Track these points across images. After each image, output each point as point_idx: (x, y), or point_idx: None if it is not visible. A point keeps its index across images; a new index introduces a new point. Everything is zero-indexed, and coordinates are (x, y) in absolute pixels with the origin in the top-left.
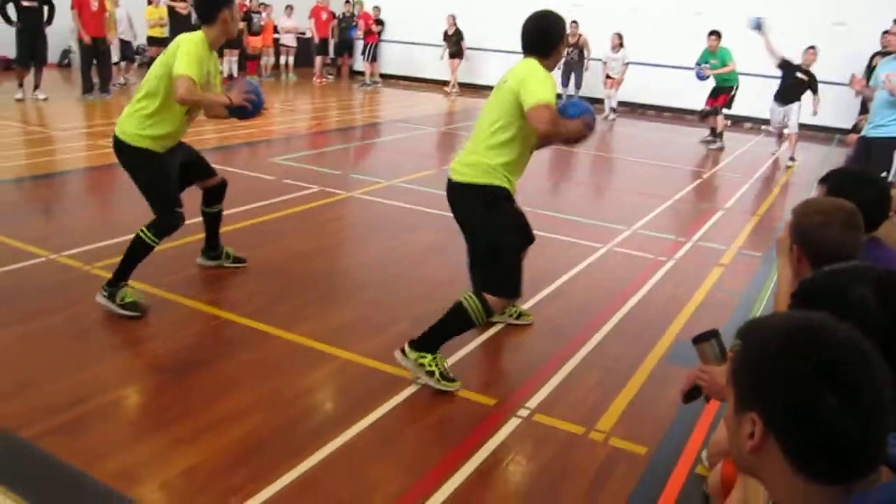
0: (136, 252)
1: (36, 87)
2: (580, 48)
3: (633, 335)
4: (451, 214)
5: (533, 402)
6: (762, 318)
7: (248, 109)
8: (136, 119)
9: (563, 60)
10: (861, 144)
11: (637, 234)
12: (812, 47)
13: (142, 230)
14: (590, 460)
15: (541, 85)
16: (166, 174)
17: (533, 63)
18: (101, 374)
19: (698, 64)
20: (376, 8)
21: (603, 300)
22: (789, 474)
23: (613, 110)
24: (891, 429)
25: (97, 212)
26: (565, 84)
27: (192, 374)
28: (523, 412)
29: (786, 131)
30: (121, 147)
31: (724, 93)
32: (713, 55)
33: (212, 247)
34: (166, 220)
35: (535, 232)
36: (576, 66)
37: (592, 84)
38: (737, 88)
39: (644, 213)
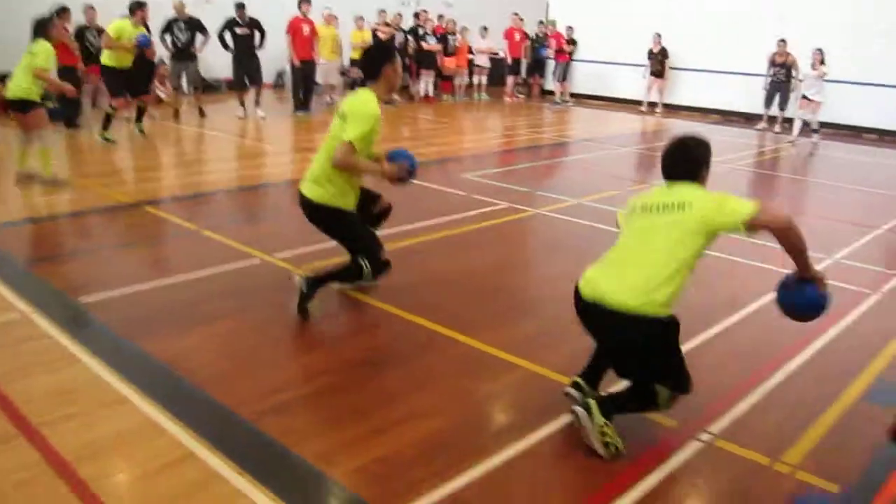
0: (349, 274)
1: (256, 104)
2: (788, 67)
3: (829, 369)
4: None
5: (716, 428)
6: None
7: (405, 180)
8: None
9: (769, 80)
10: None
11: (839, 264)
12: None
13: (364, 262)
14: (774, 492)
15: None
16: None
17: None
18: (307, 365)
19: None
20: (569, 27)
21: (797, 330)
22: None
23: (815, 131)
24: None
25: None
26: (768, 105)
27: (386, 371)
28: (705, 436)
29: None
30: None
31: None
32: None
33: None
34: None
35: (726, 256)
36: (782, 87)
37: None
38: None
39: (847, 242)
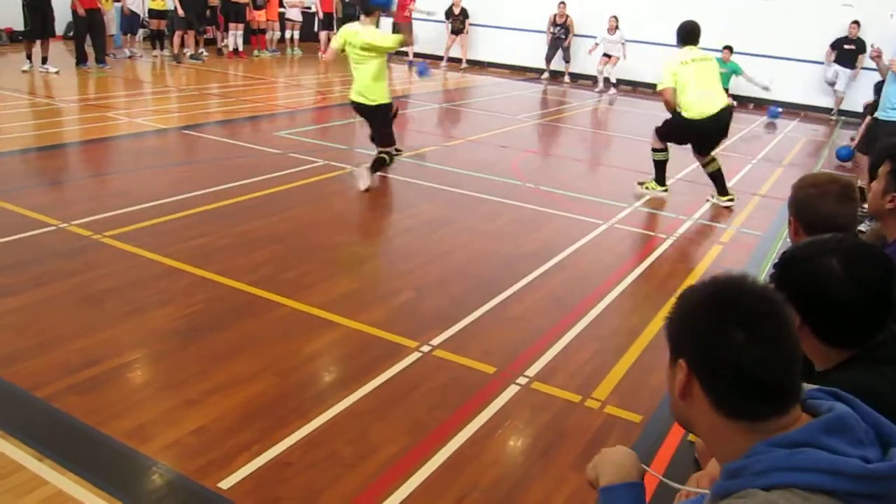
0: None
1: (44, 59)
2: (567, 27)
3: (632, 308)
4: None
5: (532, 371)
6: (697, 281)
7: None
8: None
9: (550, 37)
10: (870, 126)
11: (638, 212)
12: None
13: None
14: (585, 427)
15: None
16: None
17: None
18: (114, 337)
19: None
20: None
21: (603, 274)
22: (712, 414)
23: (613, 85)
24: (799, 367)
25: (101, 183)
26: (550, 59)
27: (201, 339)
28: (522, 380)
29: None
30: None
31: None
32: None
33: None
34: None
35: (537, 208)
36: (561, 43)
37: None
38: None
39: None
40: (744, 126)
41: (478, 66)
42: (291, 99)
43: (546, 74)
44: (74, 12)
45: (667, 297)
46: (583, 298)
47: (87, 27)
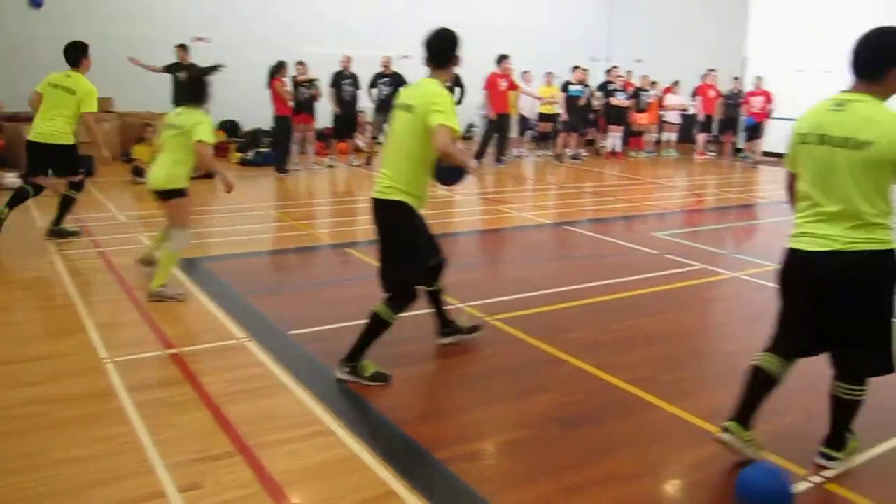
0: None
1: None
2: None
3: None
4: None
5: None
6: None
7: (461, 176)
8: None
9: None
10: None
11: None
12: None
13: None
14: None
15: None
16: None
17: None
18: (501, 414)
19: None
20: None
21: None
22: None
23: None
24: None
25: (494, 269)
26: None
27: (581, 429)
28: None
29: None
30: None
31: None
32: None
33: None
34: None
35: None
36: None
37: None
38: None
39: None
40: None
41: None
42: (665, 200)
43: None
44: (486, 117)
45: None
46: None
47: (497, 129)
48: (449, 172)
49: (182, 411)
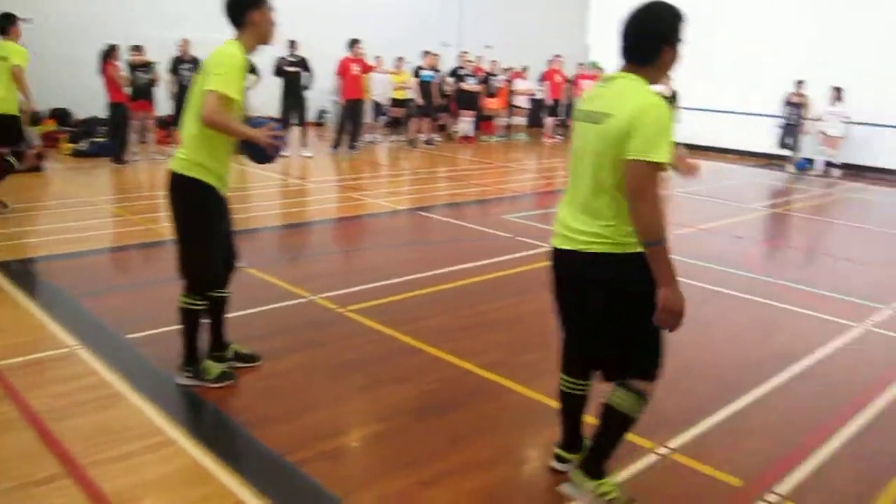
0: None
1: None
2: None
3: None
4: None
5: (783, 489)
6: None
7: (269, 153)
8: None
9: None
10: None
11: None
12: None
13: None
14: None
15: None
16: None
17: None
18: (355, 409)
19: None
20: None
21: (859, 385)
22: None
23: (834, 166)
24: None
25: (348, 258)
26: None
27: (438, 418)
28: (772, 497)
29: None
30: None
31: None
32: None
33: (218, 344)
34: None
35: (775, 304)
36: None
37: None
38: None
39: None
40: None
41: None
42: (516, 183)
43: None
44: (337, 102)
45: None
46: (837, 412)
47: (351, 115)
48: (249, 148)
49: (1, 433)
